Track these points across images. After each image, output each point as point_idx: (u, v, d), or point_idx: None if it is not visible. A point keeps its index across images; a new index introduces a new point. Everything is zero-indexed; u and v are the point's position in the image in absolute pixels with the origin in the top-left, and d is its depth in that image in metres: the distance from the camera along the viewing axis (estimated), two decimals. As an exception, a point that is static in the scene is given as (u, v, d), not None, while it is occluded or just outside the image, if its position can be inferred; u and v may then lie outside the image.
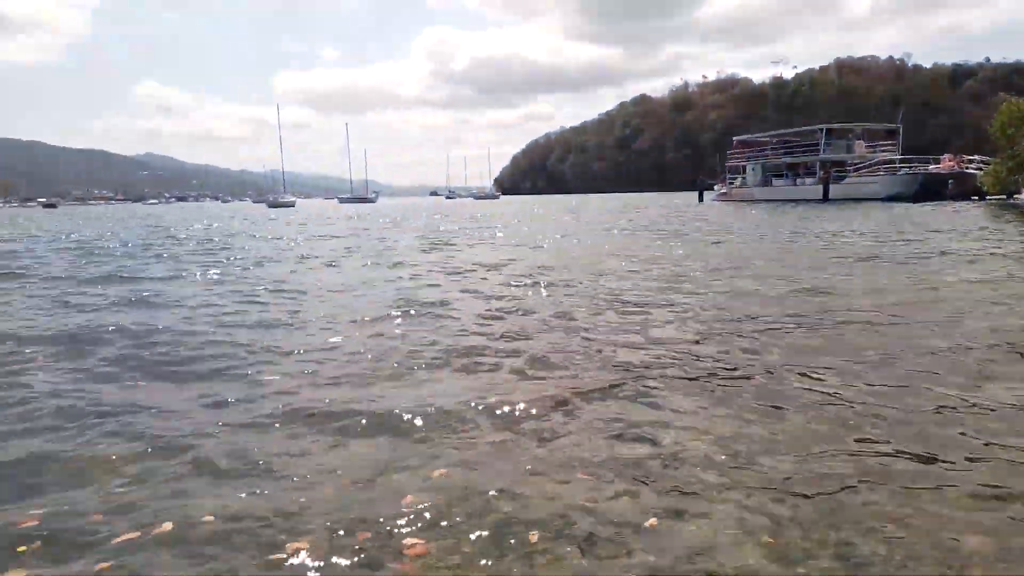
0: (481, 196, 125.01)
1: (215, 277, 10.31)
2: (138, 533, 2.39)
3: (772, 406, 3.65)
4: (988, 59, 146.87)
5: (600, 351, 4.98)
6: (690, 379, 4.19)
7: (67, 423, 3.57)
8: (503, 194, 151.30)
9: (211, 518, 2.50)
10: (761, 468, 2.86)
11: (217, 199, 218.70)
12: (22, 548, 2.31)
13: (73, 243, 19.66)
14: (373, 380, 4.32)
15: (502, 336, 5.57)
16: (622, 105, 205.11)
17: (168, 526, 2.42)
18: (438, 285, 8.83)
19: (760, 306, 6.70)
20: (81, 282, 9.85)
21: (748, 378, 4.19)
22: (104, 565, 2.19)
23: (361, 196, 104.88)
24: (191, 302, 7.73)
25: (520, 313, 6.65)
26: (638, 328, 5.80)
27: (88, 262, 13.36)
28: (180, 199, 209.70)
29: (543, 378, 4.30)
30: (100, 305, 7.64)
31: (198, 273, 10.84)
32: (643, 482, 2.75)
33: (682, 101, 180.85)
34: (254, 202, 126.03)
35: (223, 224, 32.44)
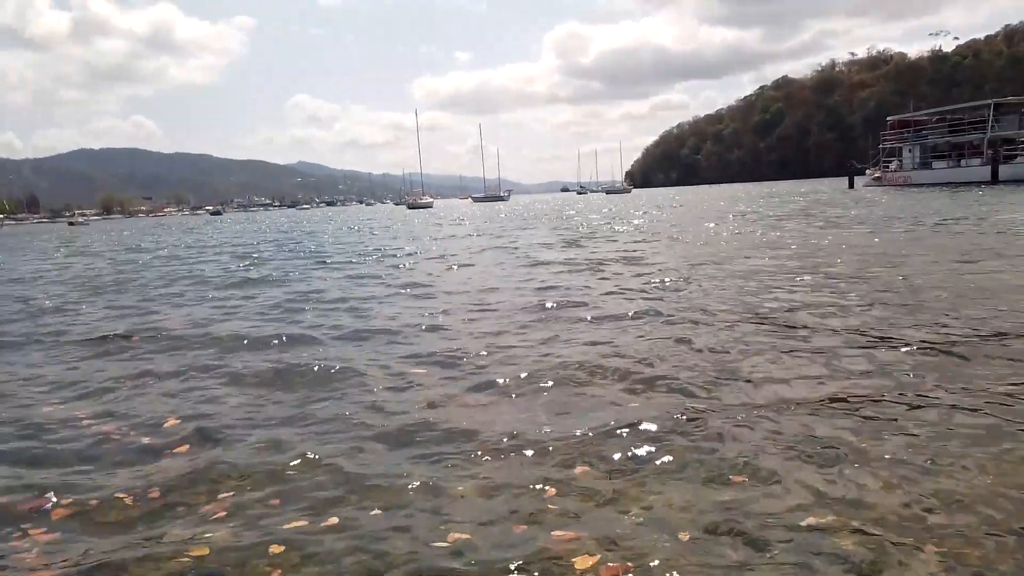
0: (612, 191, 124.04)
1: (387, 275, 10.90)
2: (306, 522, 2.56)
3: (989, 437, 3.04)
4: None
5: (775, 360, 4.46)
6: (879, 399, 3.67)
7: (258, 424, 3.87)
8: (635, 187, 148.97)
9: (378, 512, 2.63)
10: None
11: (361, 202, 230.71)
12: (202, 530, 2.54)
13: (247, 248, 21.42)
14: (514, 390, 4.18)
15: (662, 343, 5.09)
16: (762, 89, 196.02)
17: (334, 520, 2.58)
18: (579, 285, 8.63)
19: (959, 312, 5.71)
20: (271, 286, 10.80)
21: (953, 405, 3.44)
22: (277, 549, 2.36)
23: (494, 195, 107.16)
24: (345, 305, 8.24)
25: (678, 316, 6.12)
26: (822, 335, 5.24)
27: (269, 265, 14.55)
28: (329, 203, 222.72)
29: (692, 394, 3.97)
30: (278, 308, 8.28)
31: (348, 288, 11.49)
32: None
33: (828, 81, 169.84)
34: (395, 204, 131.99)
35: (369, 228, 34.14)
